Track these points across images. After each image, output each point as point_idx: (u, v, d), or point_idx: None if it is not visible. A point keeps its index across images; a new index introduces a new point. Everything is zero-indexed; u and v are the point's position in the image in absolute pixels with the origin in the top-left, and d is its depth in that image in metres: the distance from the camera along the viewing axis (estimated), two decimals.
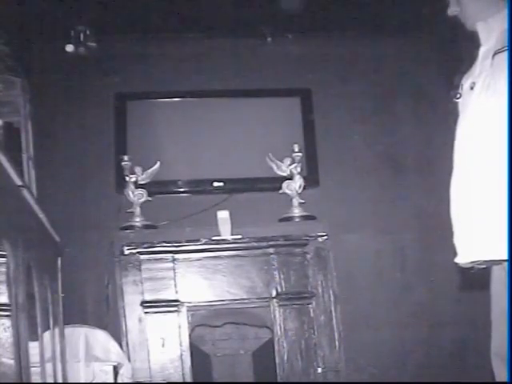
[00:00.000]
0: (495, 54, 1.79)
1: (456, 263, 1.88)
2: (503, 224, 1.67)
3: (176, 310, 3.34)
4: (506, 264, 1.75)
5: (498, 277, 1.86)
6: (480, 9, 1.89)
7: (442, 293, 3.75)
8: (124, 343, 3.26)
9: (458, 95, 1.92)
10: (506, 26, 1.79)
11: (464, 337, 3.72)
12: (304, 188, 3.57)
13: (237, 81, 3.89)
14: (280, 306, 3.41)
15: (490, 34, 1.86)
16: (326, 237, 3.49)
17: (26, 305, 1.66)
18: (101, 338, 3.03)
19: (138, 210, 3.48)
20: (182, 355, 3.29)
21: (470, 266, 1.84)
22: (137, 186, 3.50)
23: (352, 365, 3.51)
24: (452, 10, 1.97)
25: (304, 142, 3.75)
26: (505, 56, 1.74)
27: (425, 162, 3.94)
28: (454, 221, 1.88)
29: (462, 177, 1.84)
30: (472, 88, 1.84)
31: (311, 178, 3.73)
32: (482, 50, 1.88)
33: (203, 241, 3.39)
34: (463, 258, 1.84)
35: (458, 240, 1.86)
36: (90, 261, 3.58)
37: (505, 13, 1.81)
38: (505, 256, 1.69)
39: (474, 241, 1.78)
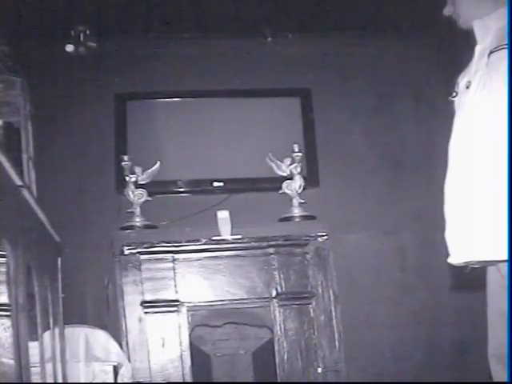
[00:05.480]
0: (491, 52, 1.77)
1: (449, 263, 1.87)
2: (497, 224, 1.65)
3: (176, 310, 3.33)
4: (501, 265, 1.73)
5: (494, 278, 1.85)
6: (475, 7, 1.88)
7: (442, 293, 3.75)
8: (124, 343, 3.26)
9: (454, 94, 1.91)
10: (502, 24, 1.78)
11: (464, 337, 3.72)
12: (304, 188, 3.57)
13: (237, 81, 3.89)
14: (280, 305, 3.41)
15: (486, 33, 1.84)
16: (325, 237, 3.48)
17: (26, 305, 1.66)
18: (101, 338, 3.02)
19: (137, 210, 3.48)
20: (182, 355, 3.29)
21: (464, 265, 1.82)
22: (137, 186, 3.50)
23: (352, 365, 3.51)
24: (448, 10, 1.96)
25: (304, 142, 3.75)
26: (500, 55, 1.73)
27: (425, 162, 3.94)
28: (447, 220, 1.86)
29: (456, 176, 1.82)
30: (468, 87, 1.82)
31: (311, 178, 3.73)
32: (477, 49, 1.86)
33: (203, 241, 3.39)
34: (455, 258, 1.82)
35: (451, 240, 1.84)
36: (90, 261, 3.58)
37: (501, 11, 1.80)
38: (498, 257, 1.68)
39: (467, 241, 1.76)
